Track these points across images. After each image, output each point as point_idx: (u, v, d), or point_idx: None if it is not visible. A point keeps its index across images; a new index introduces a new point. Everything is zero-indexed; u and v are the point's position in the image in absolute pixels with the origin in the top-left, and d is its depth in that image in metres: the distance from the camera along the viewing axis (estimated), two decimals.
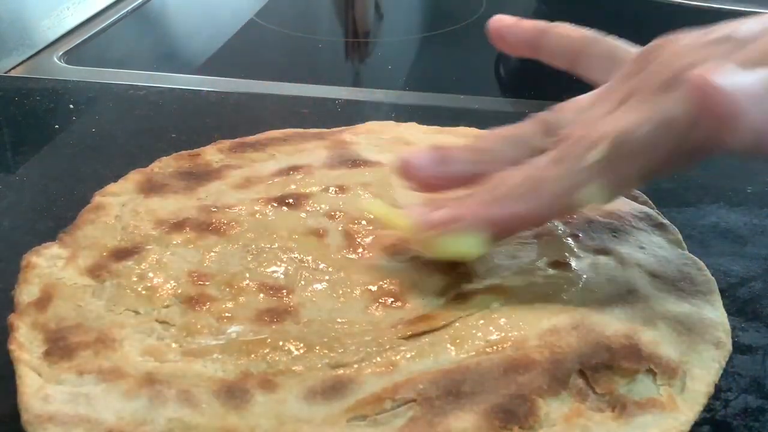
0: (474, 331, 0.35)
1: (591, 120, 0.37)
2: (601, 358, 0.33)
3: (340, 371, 0.34)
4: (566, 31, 0.46)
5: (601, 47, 0.44)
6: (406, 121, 0.56)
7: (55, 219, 0.47)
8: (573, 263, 0.39)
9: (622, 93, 0.37)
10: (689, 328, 0.36)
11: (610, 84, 0.40)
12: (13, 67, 0.72)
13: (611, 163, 0.34)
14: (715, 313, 0.37)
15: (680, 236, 0.44)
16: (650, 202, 0.47)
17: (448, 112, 0.61)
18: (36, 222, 0.48)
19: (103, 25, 0.82)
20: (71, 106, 0.63)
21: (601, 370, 0.33)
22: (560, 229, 0.42)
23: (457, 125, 0.55)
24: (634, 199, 0.47)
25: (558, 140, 0.37)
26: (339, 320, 0.37)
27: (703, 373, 0.34)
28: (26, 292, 0.38)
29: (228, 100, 0.64)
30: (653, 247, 0.42)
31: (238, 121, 0.60)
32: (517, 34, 0.46)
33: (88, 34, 0.80)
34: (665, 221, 0.45)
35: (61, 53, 0.75)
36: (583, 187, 0.35)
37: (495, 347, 0.34)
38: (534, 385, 0.32)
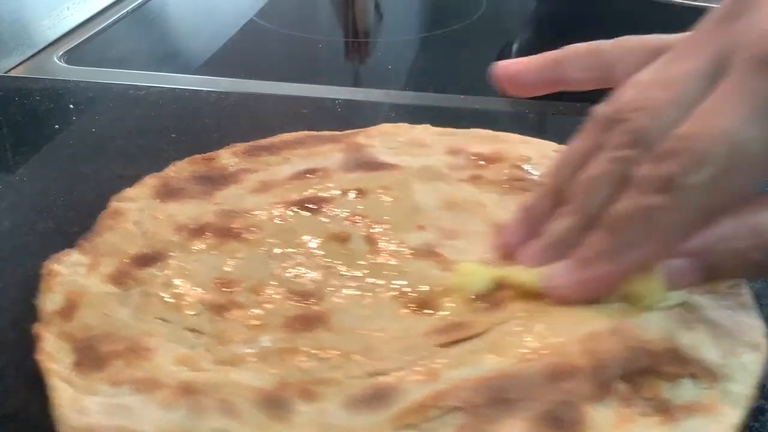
0: (512, 338, 0.34)
1: (672, 121, 0.33)
2: (643, 362, 0.33)
3: (380, 379, 0.33)
4: (582, 50, 0.42)
5: (631, 45, 0.40)
6: (405, 121, 0.55)
7: (55, 219, 0.47)
8: None
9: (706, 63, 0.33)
10: (727, 331, 0.36)
11: (671, 56, 0.35)
12: (13, 67, 0.71)
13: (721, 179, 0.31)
14: (749, 316, 0.37)
15: None
16: None
17: (448, 112, 0.61)
18: (36, 222, 0.47)
19: (103, 25, 0.82)
20: (71, 106, 0.63)
21: (644, 374, 0.33)
22: None
23: (457, 125, 0.54)
24: None
25: (655, 156, 0.32)
26: (371, 327, 0.36)
27: (744, 375, 0.34)
28: (50, 301, 0.38)
29: (228, 100, 0.63)
30: None
31: (238, 121, 0.59)
32: (533, 76, 0.43)
33: (88, 34, 0.79)
34: None
35: (61, 53, 0.74)
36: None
37: (535, 354, 0.33)
38: (579, 392, 0.32)
